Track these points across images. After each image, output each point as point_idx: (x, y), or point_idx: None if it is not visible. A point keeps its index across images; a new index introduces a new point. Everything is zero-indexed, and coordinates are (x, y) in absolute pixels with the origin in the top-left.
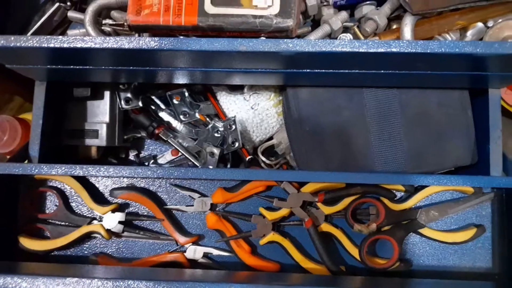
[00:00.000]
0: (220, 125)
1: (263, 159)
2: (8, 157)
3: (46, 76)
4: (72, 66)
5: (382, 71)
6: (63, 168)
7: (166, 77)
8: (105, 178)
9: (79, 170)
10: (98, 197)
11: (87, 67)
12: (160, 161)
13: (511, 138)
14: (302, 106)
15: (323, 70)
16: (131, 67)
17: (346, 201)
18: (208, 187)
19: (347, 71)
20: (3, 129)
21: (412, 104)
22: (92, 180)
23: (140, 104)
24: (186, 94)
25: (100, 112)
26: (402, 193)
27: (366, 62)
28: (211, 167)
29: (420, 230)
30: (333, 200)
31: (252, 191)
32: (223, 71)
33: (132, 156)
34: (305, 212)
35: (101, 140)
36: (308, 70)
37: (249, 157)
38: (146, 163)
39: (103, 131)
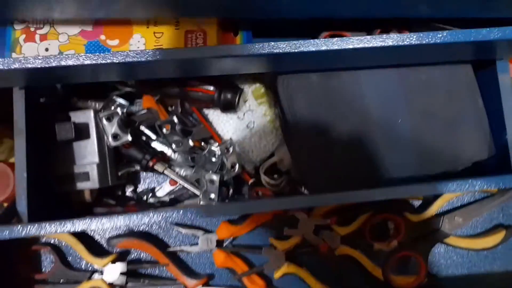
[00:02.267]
0: (216, 149)
1: (267, 179)
2: (5, 204)
3: None
4: None
5: None
6: (52, 226)
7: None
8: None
9: (70, 226)
10: (95, 249)
11: None
12: (158, 193)
13: None
14: (297, 109)
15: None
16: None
17: (362, 218)
18: (212, 222)
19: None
20: None
21: (417, 100)
22: (87, 230)
23: (129, 138)
24: (176, 120)
25: (88, 153)
26: (420, 201)
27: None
28: (212, 195)
29: (446, 240)
30: (347, 219)
31: (259, 221)
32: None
33: (129, 192)
34: (318, 237)
35: (93, 182)
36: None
37: (251, 180)
38: (144, 197)
39: (94, 172)
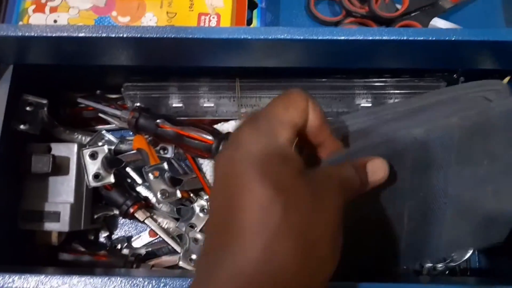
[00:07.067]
0: (206, 203)
1: None
2: None
3: None
4: None
5: None
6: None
7: None
8: None
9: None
10: None
11: None
12: (135, 243)
13: None
14: None
15: None
16: None
17: None
18: None
19: None
20: None
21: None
22: None
23: (112, 180)
24: (166, 167)
25: (63, 191)
26: None
27: None
28: (194, 256)
29: None
30: None
31: None
32: None
33: (102, 237)
34: None
35: (63, 224)
36: None
37: None
38: (119, 246)
39: (66, 213)
